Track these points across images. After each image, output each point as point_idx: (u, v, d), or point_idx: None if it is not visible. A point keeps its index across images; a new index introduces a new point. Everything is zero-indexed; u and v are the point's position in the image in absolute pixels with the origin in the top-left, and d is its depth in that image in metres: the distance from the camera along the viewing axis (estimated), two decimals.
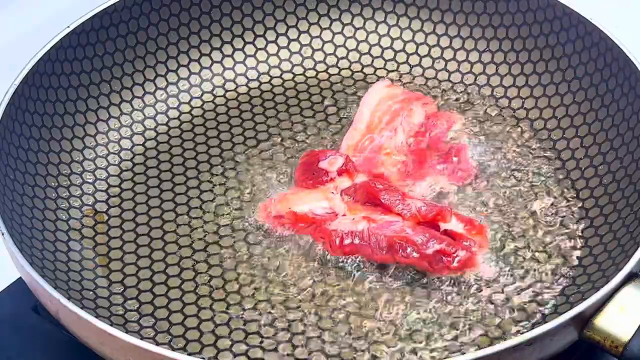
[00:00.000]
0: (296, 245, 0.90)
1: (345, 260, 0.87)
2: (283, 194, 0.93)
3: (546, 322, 0.74)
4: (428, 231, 0.85)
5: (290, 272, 0.88)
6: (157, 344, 0.81)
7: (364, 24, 1.11)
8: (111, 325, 0.75)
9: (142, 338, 0.79)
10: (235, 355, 0.82)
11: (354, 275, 0.87)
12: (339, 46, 1.11)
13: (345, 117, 1.03)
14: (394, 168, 0.94)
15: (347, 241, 0.86)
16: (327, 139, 1.01)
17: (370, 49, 1.11)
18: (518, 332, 0.83)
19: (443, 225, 0.86)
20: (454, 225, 0.86)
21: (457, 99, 1.05)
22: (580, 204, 0.93)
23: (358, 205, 0.89)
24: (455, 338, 0.82)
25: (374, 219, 0.87)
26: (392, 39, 1.10)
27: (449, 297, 0.85)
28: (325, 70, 1.10)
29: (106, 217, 0.94)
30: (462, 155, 0.96)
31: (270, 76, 1.09)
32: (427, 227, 0.86)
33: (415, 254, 0.84)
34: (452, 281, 0.85)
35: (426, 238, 0.84)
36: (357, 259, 0.87)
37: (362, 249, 0.86)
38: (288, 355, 0.82)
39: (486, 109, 1.04)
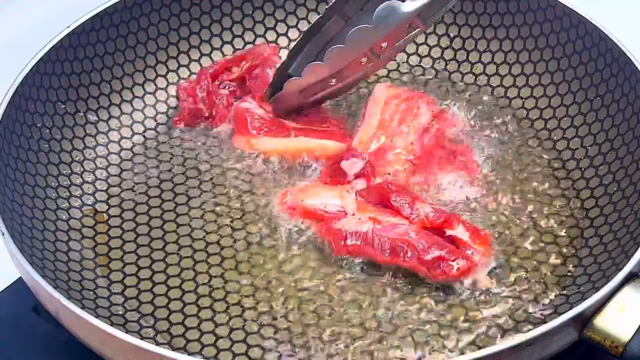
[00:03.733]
0: (297, 245, 0.90)
1: (348, 260, 0.88)
2: (303, 186, 0.93)
3: (546, 322, 0.74)
4: (431, 237, 0.85)
5: (290, 273, 0.88)
6: (157, 344, 0.81)
7: None
8: (111, 325, 0.75)
9: (142, 338, 0.79)
10: (235, 355, 0.82)
11: (356, 275, 0.87)
12: None
13: (347, 117, 1.03)
14: (401, 167, 0.94)
15: (350, 241, 0.86)
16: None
17: None
18: (518, 332, 0.83)
19: (448, 231, 0.86)
20: (459, 232, 0.86)
21: (457, 99, 1.05)
22: (580, 204, 0.93)
23: (369, 206, 0.89)
24: (456, 337, 0.82)
25: (379, 220, 0.87)
26: None
27: (449, 297, 0.85)
28: None
29: (106, 217, 0.94)
30: (466, 155, 0.96)
31: None
32: (433, 232, 0.86)
33: (414, 259, 0.84)
34: (451, 284, 0.86)
35: (427, 244, 0.84)
36: (360, 261, 0.87)
37: (365, 250, 0.86)
38: (288, 355, 0.82)
39: (487, 109, 1.04)
